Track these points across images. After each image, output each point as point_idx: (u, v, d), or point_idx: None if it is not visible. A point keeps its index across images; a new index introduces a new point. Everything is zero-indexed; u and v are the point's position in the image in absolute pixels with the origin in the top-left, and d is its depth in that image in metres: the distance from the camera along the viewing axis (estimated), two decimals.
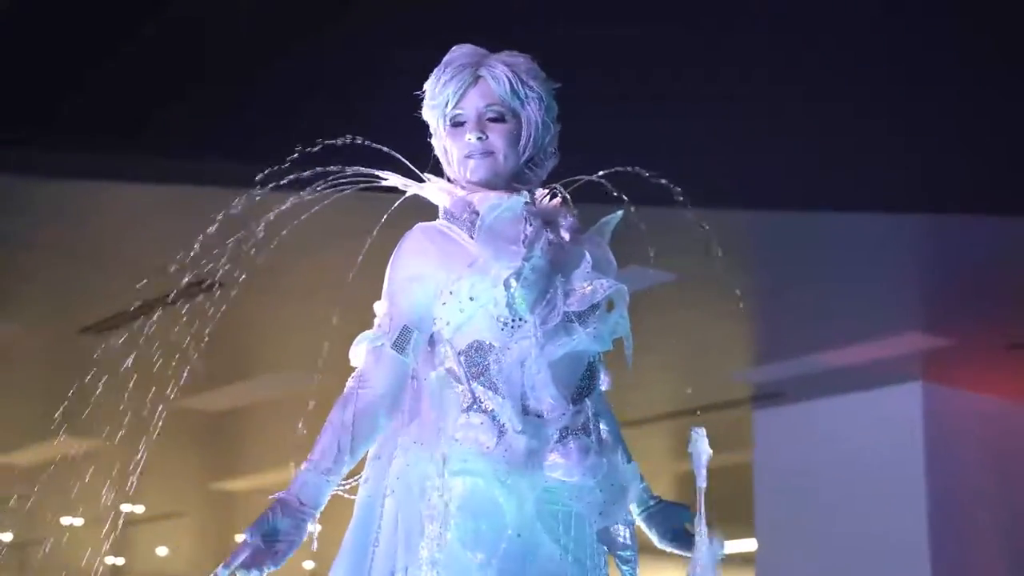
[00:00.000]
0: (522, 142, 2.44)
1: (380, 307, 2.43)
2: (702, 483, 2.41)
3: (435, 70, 2.45)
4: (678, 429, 7.94)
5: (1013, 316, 7.14)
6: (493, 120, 2.43)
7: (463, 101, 2.43)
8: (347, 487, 2.41)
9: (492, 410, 2.32)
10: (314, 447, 2.36)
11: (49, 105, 4.91)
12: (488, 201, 2.41)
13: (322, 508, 2.35)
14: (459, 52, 2.45)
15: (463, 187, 2.47)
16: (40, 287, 6.73)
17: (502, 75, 2.43)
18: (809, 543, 8.57)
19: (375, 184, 2.44)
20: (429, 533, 2.28)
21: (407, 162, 2.46)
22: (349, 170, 2.40)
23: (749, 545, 9.36)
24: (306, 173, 2.40)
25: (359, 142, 2.41)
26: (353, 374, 2.41)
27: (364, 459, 2.42)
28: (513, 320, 2.32)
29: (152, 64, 4.94)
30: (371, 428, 2.37)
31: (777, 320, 7.53)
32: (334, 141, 2.41)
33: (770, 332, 7.85)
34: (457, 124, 2.44)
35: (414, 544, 2.29)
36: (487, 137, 2.41)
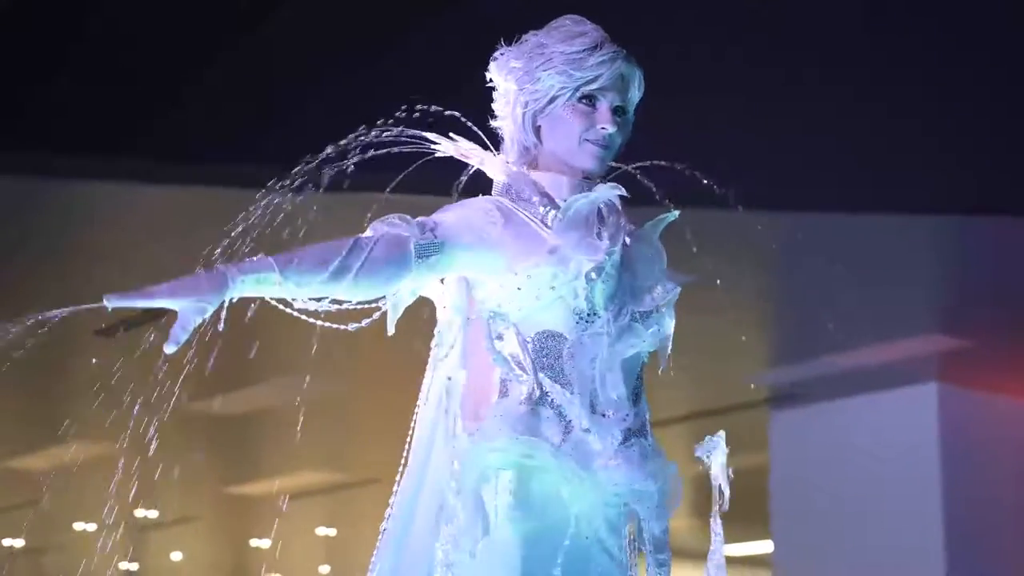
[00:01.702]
0: (621, 145, 2.43)
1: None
2: (722, 485, 2.40)
3: (582, 38, 2.36)
4: (694, 431, 7.92)
5: None
6: (617, 115, 2.39)
7: (607, 86, 2.36)
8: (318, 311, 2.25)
9: (560, 405, 2.28)
10: None
11: (69, 108, 4.91)
12: (562, 186, 2.38)
13: (241, 282, 2.12)
14: (601, 34, 2.39)
15: (519, 164, 2.42)
16: (55, 289, 6.73)
17: (640, 79, 2.41)
18: (825, 545, 8.54)
19: (428, 154, 2.39)
20: (446, 534, 2.25)
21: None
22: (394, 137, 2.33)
23: (765, 547, 9.33)
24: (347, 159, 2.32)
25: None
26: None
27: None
28: (589, 315, 2.29)
29: (174, 66, 4.94)
30: (357, 270, 2.21)
31: (793, 321, 7.51)
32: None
33: (786, 334, 7.84)
34: (587, 104, 2.37)
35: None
36: (615, 130, 2.37)
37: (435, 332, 2.41)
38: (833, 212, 5.70)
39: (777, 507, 9.04)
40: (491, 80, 2.46)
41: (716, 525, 2.43)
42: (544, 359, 2.30)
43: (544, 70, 2.36)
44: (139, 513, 12.84)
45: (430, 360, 2.41)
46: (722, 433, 2.44)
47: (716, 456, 2.42)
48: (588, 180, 2.40)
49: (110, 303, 2.07)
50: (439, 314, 2.41)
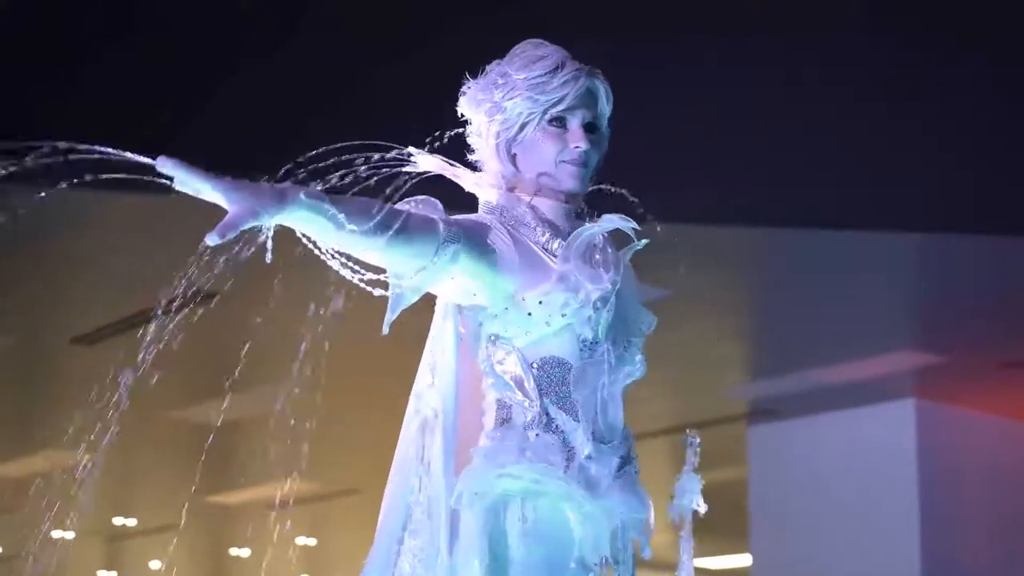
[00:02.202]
0: (598, 160, 2.42)
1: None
2: (694, 506, 2.41)
3: (542, 62, 2.36)
4: (672, 445, 7.94)
5: (1005, 335, 7.15)
6: (589, 132, 2.39)
7: (575, 105, 2.36)
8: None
9: (564, 432, 2.27)
10: None
11: (44, 111, 4.90)
12: (557, 212, 2.38)
13: (299, 204, 2.07)
14: (561, 54, 2.38)
15: (506, 188, 2.41)
16: (32, 296, 6.71)
17: (607, 92, 2.40)
18: (803, 558, 8.57)
19: (419, 173, 2.36)
20: (411, 547, 2.25)
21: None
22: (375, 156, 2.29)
23: (744, 560, 9.35)
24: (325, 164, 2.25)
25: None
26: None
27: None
28: (592, 343, 2.30)
29: (149, 70, 4.93)
30: (395, 229, 2.15)
31: (771, 337, 7.53)
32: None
33: (764, 349, 7.86)
34: (558, 125, 2.37)
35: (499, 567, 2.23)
36: (589, 147, 2.37)
37: (427, 353, 2.38)
38: (812, 228, 5.73)
39: (756, 521, 9.06)
40: (462, 115, 2.44)
41: (686, 540, 2.43)
42: (550, 385, 2.29)
43: (510, 99, 2.36)
44: (117, 521, 12.80)
45: (418, 378, 2.38)
46: (696, 437, 2.45)
47: (688, 462, 2.42)
48: (572, 201, 2.41)
49: (164, 166, 1.99)
50: (432, 332, 2.39)
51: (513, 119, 2.37)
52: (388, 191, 2.31)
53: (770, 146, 5.27)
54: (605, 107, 2.41)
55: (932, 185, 5.54)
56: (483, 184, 2.44)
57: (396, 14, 4.97)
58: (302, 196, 2.07)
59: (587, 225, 2.34)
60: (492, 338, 2.32)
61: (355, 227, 2.10)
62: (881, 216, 5.61)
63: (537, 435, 2.26)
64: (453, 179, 2.43)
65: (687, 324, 6.72)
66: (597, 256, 2.33)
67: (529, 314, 2.28)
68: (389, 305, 2.25)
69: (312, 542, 12.25)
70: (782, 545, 8.77)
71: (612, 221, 2.33)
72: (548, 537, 2.24)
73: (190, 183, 2.01)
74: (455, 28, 4.56)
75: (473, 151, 2.45)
